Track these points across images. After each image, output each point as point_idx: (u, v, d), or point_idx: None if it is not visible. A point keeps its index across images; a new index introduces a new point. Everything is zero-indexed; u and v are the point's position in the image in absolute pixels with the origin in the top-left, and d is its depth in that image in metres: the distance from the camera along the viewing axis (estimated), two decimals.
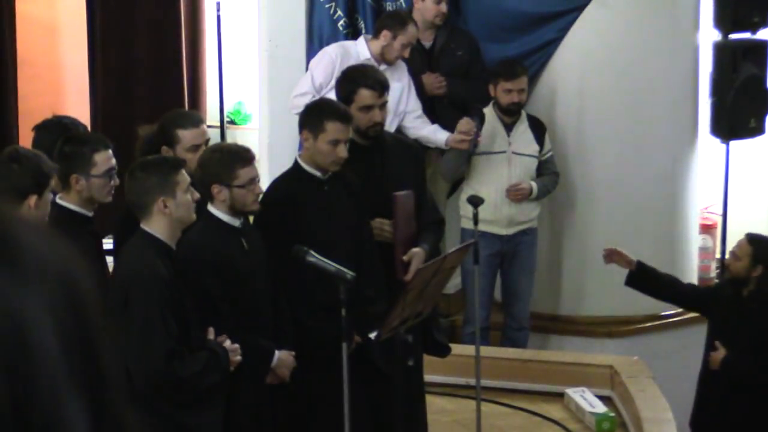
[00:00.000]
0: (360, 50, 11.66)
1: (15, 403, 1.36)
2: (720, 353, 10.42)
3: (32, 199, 7.69)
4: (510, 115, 11.97)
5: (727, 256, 11.81)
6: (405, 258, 9.14)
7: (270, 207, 8.48)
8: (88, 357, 1.44)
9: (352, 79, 9.48)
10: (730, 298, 10.62)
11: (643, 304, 12.26)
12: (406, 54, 11.57)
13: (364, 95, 9.20)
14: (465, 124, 11.61)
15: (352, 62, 11.10)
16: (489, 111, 11.95)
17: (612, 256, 10.84)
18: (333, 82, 10.77)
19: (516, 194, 11.96)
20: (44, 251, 1.45)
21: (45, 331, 1.39)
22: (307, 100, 10.68)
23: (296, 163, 8.87)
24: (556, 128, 12.49)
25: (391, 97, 10.48)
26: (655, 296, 11.04)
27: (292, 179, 8.83)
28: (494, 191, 11.87)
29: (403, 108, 11.67)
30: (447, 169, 12.02)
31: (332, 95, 10.37)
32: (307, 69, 12.40)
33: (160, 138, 9.52)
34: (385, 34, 11.43)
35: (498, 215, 11.76)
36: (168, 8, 14.13)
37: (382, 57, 11.59)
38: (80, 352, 1.43)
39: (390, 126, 10.85)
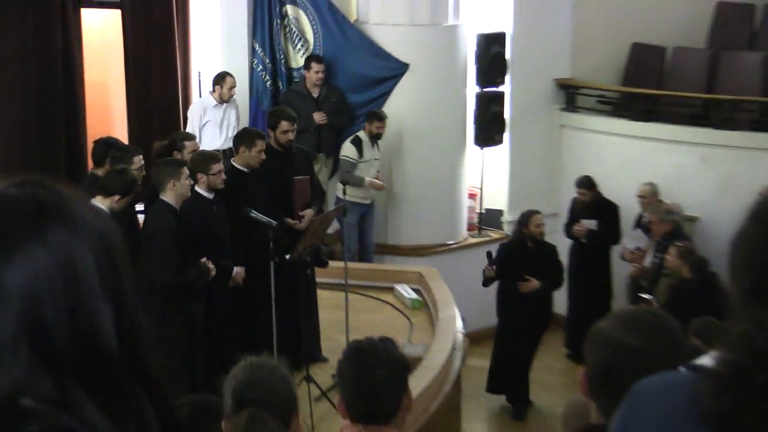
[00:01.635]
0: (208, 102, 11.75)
1: (70, 307, 1.38)
2: (534, 283, 10.50)
3: (116, 197, 7.95)
4: (375, 139, 11.91)
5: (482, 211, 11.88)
6: (302, 213, 9.20)
7: (226, 185, 8.44)
8: (114, 279, 1.45)
9: (276, 114, 9.50)
10: (523, 250, 10.70)
11: (437, 236, 12.64)
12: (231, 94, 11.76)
13: (284, 124, 9.22)
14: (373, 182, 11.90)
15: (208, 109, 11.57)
16: (363, 135, 11.84)
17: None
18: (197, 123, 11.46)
19: (380, 185, 11.98)
20: (89, 216, 1.46)
21: (88, 264, 1.41)
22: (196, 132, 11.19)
23: (232, 164, 8.83)
24: (386, 140, 12.26)
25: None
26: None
27: (233, 172, 8.71)
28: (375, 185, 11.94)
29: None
30: (343, 175, 11.70)
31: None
32: (249, 114, 12.49)
33: (172, 146, 9.63)
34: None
35: (361, 191, 11.61)
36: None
37: (221, 99, 11.66)
38: (109, 276, 1.44)
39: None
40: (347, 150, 11.86)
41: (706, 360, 1.88)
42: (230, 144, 10.91)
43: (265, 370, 3.60)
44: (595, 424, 2.82)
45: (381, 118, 11.90)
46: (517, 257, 10.61)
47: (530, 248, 10.60)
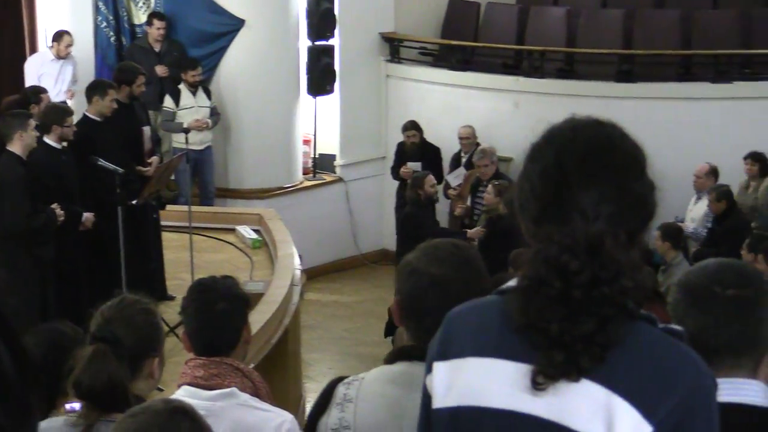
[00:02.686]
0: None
1: None
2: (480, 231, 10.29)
3: None
4: (195, 87, 11.81)
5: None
6: (149, 161, 9.22)
7: (78, 136, 8.33)
8: None
9: (133, 70, 9.41)
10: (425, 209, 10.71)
11: (275, 180, 12.63)
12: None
13: (141, 78, 9.22)
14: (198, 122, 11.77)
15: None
16: (183, 85, 11.79)
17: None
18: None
19: (199, 124, 11.72)
20: None
21: None
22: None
23: (85, 115, 8.70)
24: (224, 91, 12.35)
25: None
26: None
27: (87, 122, 8.61)
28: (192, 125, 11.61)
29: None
30: (163, 124, 11.85)
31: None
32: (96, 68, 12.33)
33: (25, 100, 9.54)
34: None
35: (193, 139, 11.17)
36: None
37: (57, 55, 11.54)
38: None
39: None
40: (166, 101, 11.92)
41: (511, 283, 1.97)
42: (62, 98, 11.06)
43: (132, 310, 3.46)
44: (407, 345, 2.89)
45: (194, 66, 11.93)
46: (425, 217, 10.66)
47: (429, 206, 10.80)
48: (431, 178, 10.86)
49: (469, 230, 10.55)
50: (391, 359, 2.98)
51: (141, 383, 3.42)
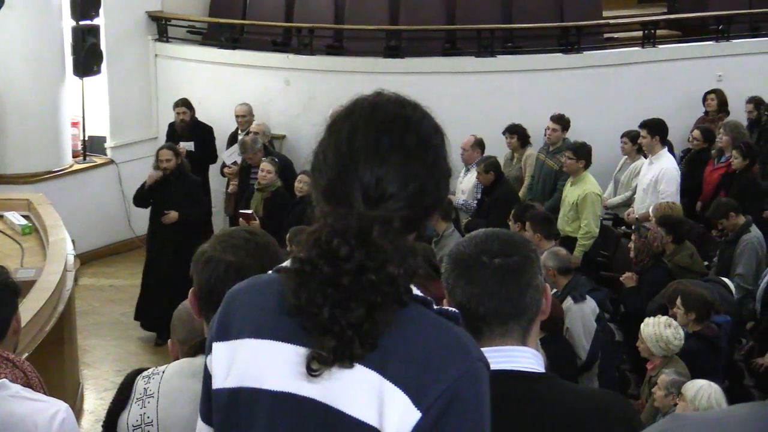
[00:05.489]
0: None
1: None
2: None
3: None
4: None
5: None
6: None
7: None
8: None
9: None
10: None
11: (43, 164, 12.22)
12: None
13: None
14: None
15: None
16: None
17: None
18: None
19: None
20: None
21: None
22: None
23: None
24: None
25: None
26: None
27: None
28: None
29: None
30: None
31: None
32: None
33: None
34: None
35: None
36: None
37: None
38: None
39: None
40: None
41: (289, 262, 1.94)
42: None
43: None
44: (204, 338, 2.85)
45: None
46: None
47: None
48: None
49: (243, 210, 10.44)
50: (192, 352, 2.94)
51: None
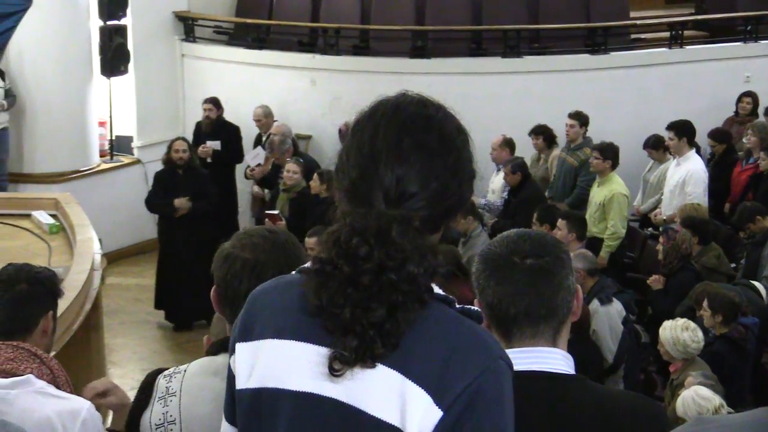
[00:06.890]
0: None
1: None
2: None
3: None
4: None
5: None
6: None
7: None
8: None
9: None
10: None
11: (71, 163, 12.28)
12: None
13: None
14: None
15: None
16: None
17: None
18: None
19: None
20: None
21: None
22: None
23: None
24: (15, 74, 11.77)
25: None
26: None
27: None
28: None
29: None
30: None
31: None
32: None
33: None
34: None
35: None
36: None
37: None
38: None
39: None
40: None
41: (309, 264, 1.94)
42: None
43: None
44: (226, 337, 2.83)
45: None
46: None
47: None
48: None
49: (270, 211, 10.44)
50: (213, 350, 2.95)
51: None
